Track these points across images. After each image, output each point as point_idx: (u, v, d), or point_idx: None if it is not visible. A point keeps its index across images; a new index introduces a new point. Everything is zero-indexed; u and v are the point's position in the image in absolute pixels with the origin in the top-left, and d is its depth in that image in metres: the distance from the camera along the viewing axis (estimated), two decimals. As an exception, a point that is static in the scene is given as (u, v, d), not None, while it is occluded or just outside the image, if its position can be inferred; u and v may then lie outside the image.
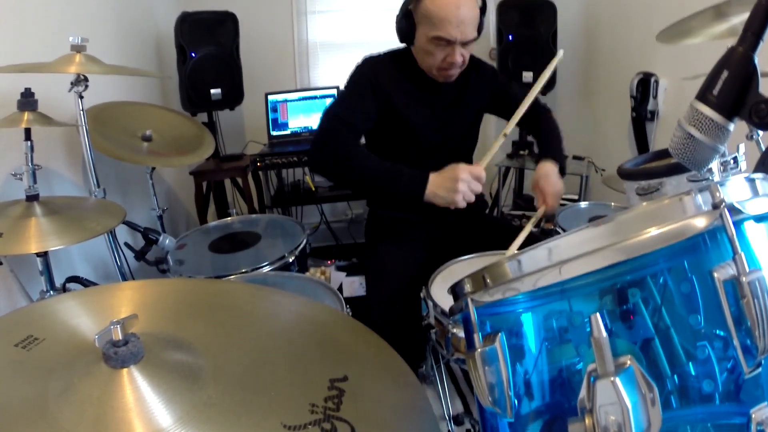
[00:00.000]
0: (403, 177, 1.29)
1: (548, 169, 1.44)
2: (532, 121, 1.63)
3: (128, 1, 2.39)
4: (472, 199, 1.24)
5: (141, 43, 2.54)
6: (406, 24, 1.40)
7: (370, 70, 1.46)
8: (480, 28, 1.42)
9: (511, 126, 1.35)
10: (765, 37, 0.56)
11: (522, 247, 1.30)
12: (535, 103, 1.62)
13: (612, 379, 0.46)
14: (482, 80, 1.58)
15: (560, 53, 1.38)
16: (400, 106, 1.45)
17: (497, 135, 1.33)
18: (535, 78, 2.66)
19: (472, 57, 1.55)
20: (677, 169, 0.88)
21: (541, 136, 1.63)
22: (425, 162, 1.48)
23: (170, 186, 2.76)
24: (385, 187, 1.31)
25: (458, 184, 1.21)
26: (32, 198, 1.26)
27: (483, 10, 1.42)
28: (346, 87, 1.47)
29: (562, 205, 1.71)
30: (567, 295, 0.55)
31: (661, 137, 2.32)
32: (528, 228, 1.34)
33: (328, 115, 1.40)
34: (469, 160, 1.67)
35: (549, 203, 1.40)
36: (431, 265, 1.32)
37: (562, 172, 1.47)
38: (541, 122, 1.65)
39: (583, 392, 0.48)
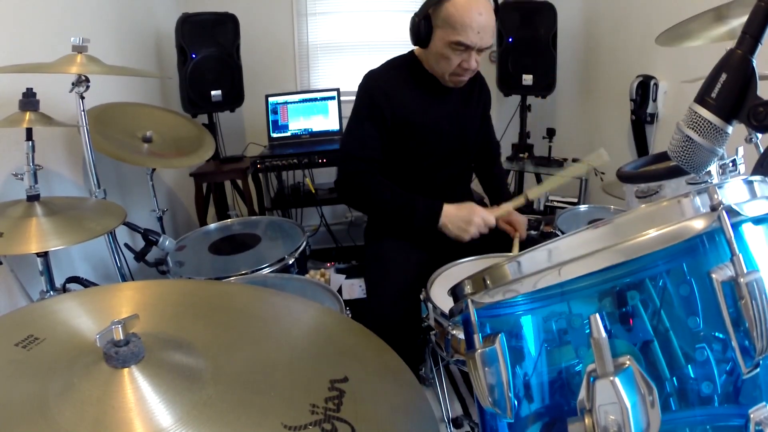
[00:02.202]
0: (417, 211, 1.41)
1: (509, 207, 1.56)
2: (491, 163, 1.79)
3: (129, 2, 2.39)
4: (478, 236, 1.38)
5: (141, 44, 2.55)
6: (425, 27, 1.39)
7: (373, 88, 1.47)
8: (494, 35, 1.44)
9: (537, 194, 1.53)
10: (763, 40, 0.56)
11: (521, 249, 1.35)
12: (497, 145, 1.83)
13: (611, 378, 0.46)
14: (482, 95, 1.64)
15: (604, 155, 1.45)
16: (409, 114, 1.47)
17: (499, 136, 1.40)
18: (535, 80, 2.67)
19: None
20: (676, 172, 0.88)
21: (498, 181, 1.81)
22: (434, 165, 1.55)
23: (170, 187, 2.76)
24: (403, 220, 1.44)
25: (470, 227, 1.36)
26: (33, 198, 1.27)
27: (496, 13, 1.42)
28: (353, 114, 1.51)
29: (561, 208, 1.75)
30: (566, 297, 0.55)
31: (660, 140, 2.32)
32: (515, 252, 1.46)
33: (344, 155, 1.51)
34: (471, 163, 1.69)
35: (522, 232, 1.54)
36: (430, 268, 1.32)
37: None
38: (496, 168, 1.82)
39: (582, 392, 0.49)
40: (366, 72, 1.53)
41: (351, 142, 1.50)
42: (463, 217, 1.37)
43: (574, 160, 2.75)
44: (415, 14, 1.40)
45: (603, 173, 2.58)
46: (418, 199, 1.43)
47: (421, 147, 1.51)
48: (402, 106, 1.46)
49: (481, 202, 1.68)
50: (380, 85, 1.46)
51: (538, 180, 2.86)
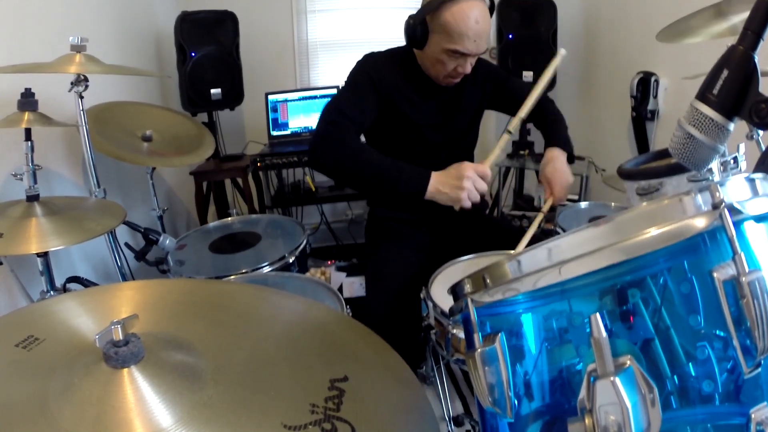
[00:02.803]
0: (403, 173, 1.26)
1: (555, 155, 1.45)
2: (536, 111, 1.56)
3: (128, 1, 2.39)
4: (478, 198, 1.22)
5: (141, 43, 2.54)
6: (421, 31, 1.37)
7: (371, 67, 1.45)
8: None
9: (516, 123, 1.36)
10: (765, 36, 0.56)
11: (529, 244, 1.31)
12: (542, 100, 1.61)
13: (612, 378, 0.46)
14: (481, 77, 1.58)
15: (562, 52, 1.38)
16: (401, 103, 1.45)
17: (500, 133, 1.34)
18: (536, 78, 2.66)
19: None
20: (677, 169, 0.87)
21: (546, 126, 1.60)
22: (426, 160, 1.48)
23: (170, 186, 2.76)
24: (386, 183, 1.27)
25: (463, 182, 1.19)
26: (32, 198, 1.27)
27: (491, 11, 1.41)
28: (346, 82, 1.46)
29: (562, 205, 1.71)
30: (567, 296, 0.55)
31: (661, 137, 2.32)
32: (537, 222, 1.34)
33: (329, 108, 1.37)
34: (470, 158, 1.67)
35: (556, 192, 1.39)
36: (431, 266, 1.31)
37: (571, 160, 1.47)
38: (546, 111, 1.63)
39: (582, 392, 0.48)
40: (367, 53, 1.51)
41: (339, 99, 1.41)
42: (453, 174, 1.22)
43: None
44: (411, 17, 1.38)
45: (603, 170, 2.57)
46: (404, 164, 1.28)
47: (409, 136, 1.50)
48: (394, 91, 1.44)
49: (482, 198, 1.67)
50: (378, 66, 1.46)
51: (539, 179, 2.85)
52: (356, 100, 1.41)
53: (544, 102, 1.64)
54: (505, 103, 1.64)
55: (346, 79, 1.47)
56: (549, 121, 1.60)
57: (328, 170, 1.35)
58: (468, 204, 1.21)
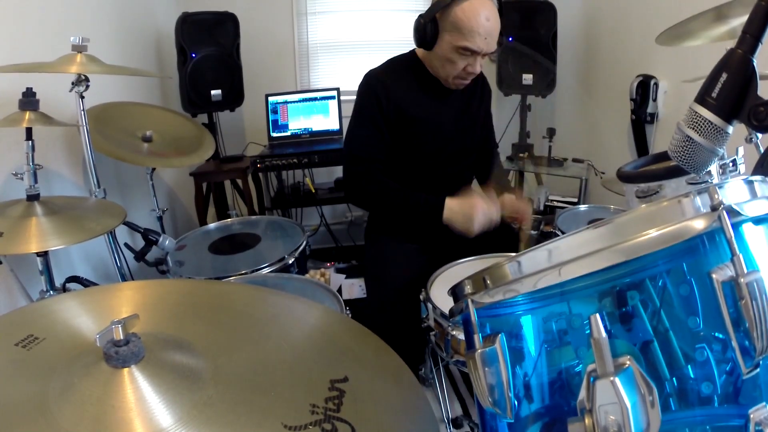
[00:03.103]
0: (420, 208, 1.42)
1: (510, 196, 1.55)
2: (488, 157, 1.76)
3: (129, 2, 2.39)
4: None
5: (141, 44, 2.55)
6: (431, 30, 1.38)
7: (373, 86, 1.47)
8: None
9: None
10: (764, 40, 0.56)
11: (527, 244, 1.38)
12: (492, 144, 1.82)
13: (611, 379, 0.46)
14: (484, 89, 1.63)
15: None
16: (407, 112, 1.47)
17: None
18: (535, 80, 2.67)
19: None
20: (677, 172, 0.88)
21: (498, 175, 1.77)
22: (436, 164, 1.55)
23: (170, 187, 2.76)
24: (408, 216, 1.46)
25: (473, 226, 1.35)
26: (33, 198, 1.27)
27: (500, 14, 1.42)
28: (355, 112, 1.50)
29: (561, 208, 1.75)
30: (566, 297, 0.55)
31: (660, 140, 2.32)
32: (525, 242, 1.47)
33: (348, 156, 1.51)
34: (471, 168, 1.71)
35: (527, 218, 1.51)
36: (430, 268, 1.32)
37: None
38: (494, 162, 1.78)
39: (582, 392, 0.49)
40: (366, 71, 1.52)
41: (354, 143, 1.51)
42: (465, 214, 1.36)
43: (575, 161, 2.75)
44: (421, 16, 1.39)
45: (603, 172, 2.58)
46: (420, 196, 1.43)
47: (423, 147, 1.51)
48: (403, 105, 1.45)
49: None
50: (381, 84, 1.46)
51: (539, 180, 2.86)
52: (368, 135, 1.47)
53: (496, 152, 1.82)
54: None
55: (354, 107, 1.51)
56: (499, 170, 1.80)
57: (360, 207, 1.67)
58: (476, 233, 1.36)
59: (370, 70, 1.52)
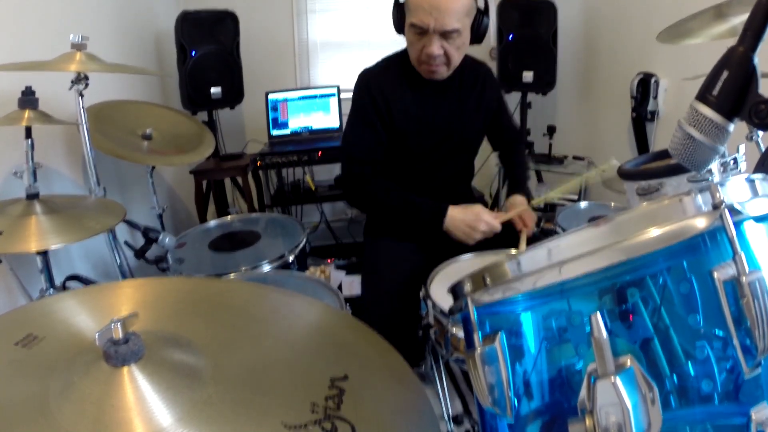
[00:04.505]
0: (422, 214, 1.40)
1: (520, 200, 1.55)
2: (508, 151, 1.74)
3: (128, 0, 2.38)
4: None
5: (141, 42, 2.54)
6: (397, 14, 1.40)
7: (368, 86, 1.46)
8: (480, 29, 1.41)
9: (540, 202, 1.52)
10: (765, 37, 0.56)
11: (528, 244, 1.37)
12: (517, 133, 1.78)
13: (612, 379, 0.46)
14: (486, 86, 1.58)
15: (615, 164, 1.43)
16: (401, 112, 1.46)
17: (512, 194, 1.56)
18: (535, 78, 2.67)
19: (472, 60, 1.55)
20: (677, 170, 0.88)
21: (515, 170, 1.73)
22: (432, 164, 1.54)
23: (170, 185, 2.76)
24: (408, 220, 1.44)
25: (475, 234, 1.35)
26: (32, 196, 1.26)
27: (485, 11, 1.40)
28: (351, 112, 1.50)
29: (561, 205, 1.74)
30: (566, 295, 0.55)
31: (661, 138, 2.32)
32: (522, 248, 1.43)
33: (345, 157, 1.50)
34: (472, 160, 1.69)
35: (530, 226, 1.49)
36: (430, 265, 1.32)
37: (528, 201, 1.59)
38: (517, 156, 1.74)
39: (583, 393, 0.48)
40: (361, 70, 1.52)
41: (351, 144, 1.50)
42: (468, 222, 1.36)
43: (575, 158, 2.75)
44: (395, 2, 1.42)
45: (604, 170, 2.57)
46: (422, 202, 1.42)
47: (419, 145, 1.51)
48: (398, 104, 1.45)
49: (482, 200, 1.67)
50: (376, 83, 1.46)
51: (539, 177, 2.86)
52: (365, 136, 1.46)
53: (520, 145, 1.78)
54: (492, 131, 1.69)
55: (350, 107, 1.50)
56: (519, 167, 1.73)
57: (359, 209, 1.63)
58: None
59: (365, 69, 1.52)
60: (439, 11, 1.27)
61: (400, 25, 1.42)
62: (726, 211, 0.46)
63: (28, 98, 1.28)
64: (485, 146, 1.74)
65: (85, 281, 1.45)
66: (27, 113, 1.27)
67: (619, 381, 0.46)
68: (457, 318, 0.66)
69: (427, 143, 1.51)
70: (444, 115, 1.51)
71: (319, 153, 2.59)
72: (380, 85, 1.45)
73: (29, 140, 1.29)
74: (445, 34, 1.32)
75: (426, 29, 1.30)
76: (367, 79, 1.48)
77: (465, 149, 1.61)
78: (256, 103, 2.80)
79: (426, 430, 0.60)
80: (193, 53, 2.45)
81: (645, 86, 2.28)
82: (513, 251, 1.36)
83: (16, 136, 1.32)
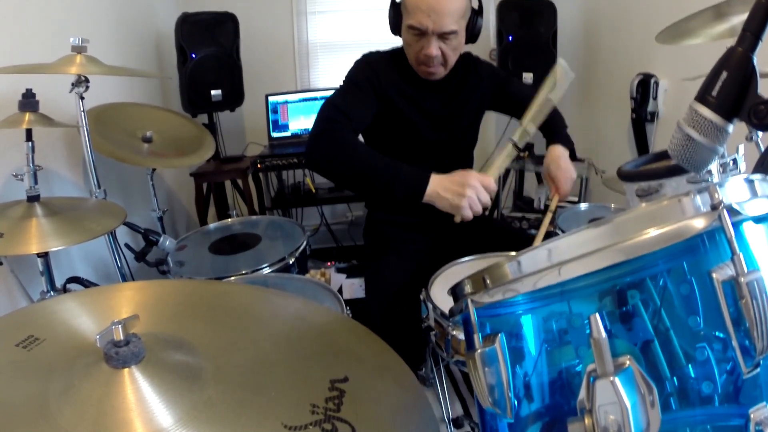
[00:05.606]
0: (401, 173, 1.19)
1: (559, 152, 1.44)
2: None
3: (128, 2, 2.39)
4: (479, 210, 1.16)
5: (141, 44, 2.55)
6: (394, 15, 1.41)
7: (369, 67, 1.45)
8: (475, 29, 1.41)
9: (520, 133, 1.34)
10: (764, 38, 0.56)
11: (528, 245, 1.33)
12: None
13: (611, 378, 0.46)
14: (481, 79, 1.56)
15: (561, 62, 1.34)
16: (399, 103, 1.45)
17: (500, 139, 1.34)
18: (536, 79, 2.67)
19: (468, 56, 1.55)
20: (677, 171, 0.88)
21: (546, 124, 1.49)
22: (426, 160, 1.48)
23: (170, 187, 2.76)
24: (382, 183, 1.20)
25: (467, 190, 1.13)
26: (33, 199, 1.27)
27: (479, 11, 1.41)
28: (345, 80, 1.45)
29: (561, 207, 1.72)
30: (566, 297, 0.55)
31: (661, 138, 2.32)
32: (547, 220, 1.32)
33: (326, 105, 1.34)
34: (469, 159, 1.68)
35: (561, 189, 1.39)
36: (430, 268, 1.31)
37: (573, 156, 1.46)
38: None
39: (582, 392, 0.48)
40: (365, 52, 1.51)
41: (337, 97, 1.38)
42: (457, 180, 1.16)
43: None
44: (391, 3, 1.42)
45: (603, 171, 2.57)
46: (400, 165, 1.21)
47: (407, 136, 1.49)
48: (393, 88, 1.44)
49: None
50: (378, 64, 1.45)
51: (539, 179, 2.86)
52: (354, 97, 1.39)
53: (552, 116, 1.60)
54: (506, 105, 1.63)
55: (344, 77, 1.46)
56: (550, 119, 1.49)
57: (323, 169, 1.29)
58: (469, 214, 1.15)
59: (369, 52, 1.51)
60: (437, 13, 1.28)
61: (396, 26, 1.43)
62: (725, 211, 0.46)
63: (29, 101, 1.28)
64: (483, 148, 1.73)
65: (86, 284, 1.45)
66: (27, 116, 1.27)
67: (618, 381, 0.46)
68: (458, 319, 0.66)
69: (414, 135, 1.50)
70: (434, 109, 1.49)
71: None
72: (381, 70, 1.44)
73: (30, 143, 1.29)
74: (443, 36, 1.33)
75: (424, 31, 1.31)
76: (370, 61, 1.48)
77: (455, 144, 1.59)
78: (257, 106, 2.80)
79: (426, 431, 0.60)
80: (193, 55, 2.45)
81: (645, 87, 2.28)
82: (513, 253, 1.35)
83: (17, 139, 1.33)
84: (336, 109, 1.32)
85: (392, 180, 1.19)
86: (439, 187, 1.17)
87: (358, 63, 1.48)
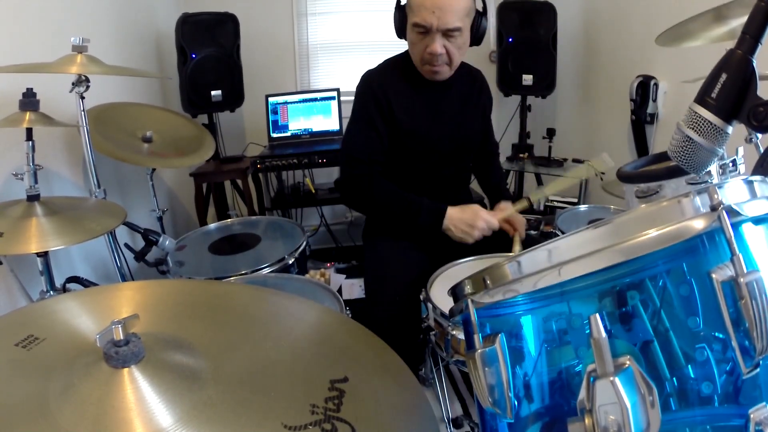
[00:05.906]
0: (421, 214, 1.41)
1: (508, 204, 1.55)
2: (488, 162, 1.77)
3: (129, 2, 2.39)
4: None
5: (142, 44, 2.55)
6: (399, 15, 1.42)
7: (371, 87, 1.47)
8: (479, 30, 1.42)
9: (538, 197, 1.56)
10: (763, 40, 0.56)
11: (527, 245, 1.39)
12: (496, 146, 1.81)
13: (611, 378, 0.46)
14: (482, 91, 1.62)
15: (607, 159, 1.42)
16: (404, 113, 1.47)
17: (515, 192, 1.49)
18: (535, 80, 2.67)
19: (469, 66, 1.57)
20: (677, 172, 0.88)
21: (498, 181, 1.78)
22: (433, 166, 1.54)
23: (170, 187, 2.76)
24: (408, 221, 1.43)
25: (474, 232, 1.37)
26: (33, 198, 1.26)
27: (483, 13, 1.42)
28: (353, 111, 1.50)
29: (561, 208, 1.75)
30: (566, 297, 0.55)
31: (660, 140, 2.32)
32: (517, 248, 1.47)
33: (346, 157, 1.49)
34: (476, 161, 1.71)
35: (521, 231, 1.51)
36: (430, 268, 1.32)
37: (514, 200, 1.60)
38: (496, 168, 1.79)
39: (582, 392, 0.49)
40: (364, 72, 1.52)
41: (352, 144, 1.50)
42: (467, 220, 1.37)
43: (575, 161, 2.75)
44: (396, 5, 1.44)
45: (603, 173, 2.58)
46: (421, 202, 1.42)
47: (419, 147, 1.51)
48: (399, 106, 1.45)
49: (480, 203, 1.68)
50: (378, 85, 1.46)
51: (539, 180, 2.86)
52: (366, 135, 1.46)
53: (497, 158, 1.82)
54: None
55: (352, 107, 1.51)
56: (500, 180, 1.80)
57: (358, 211, 1.62)
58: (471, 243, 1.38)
59: (367, 72, 1.53)
60: (441, 10, 1.30)
61: (401, 27, 1.44)
62: (724, 212, 0.46)
63: (29, 100, 1.28)
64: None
65: (86, 283, 1.45)
66: (28, 115, 1.27)
67: (618, 381, 0.46)
68: (458, 320, 0.66)
69: (429, 143, 1.52)
70: (445, 116, 1.52)
71: (323, 160, 2.59)
72: (383, 85, 1.46)
73: (30, 142, 1.29)
74: (447, 33, 1.34)
75: (429, 28, 1.33)
76: (370, 79, 1.49)
77: (464, 152, 1.62)
78: (257, 106, 2.80)
79: (425, 431, 0.60)
80: (194, 56, 2.45)
81: (644, 89, 2.28)
82: (513, 254, 1.36)
83: (17, 138, 1.32)
84: (353, 159, 1.47)
85: (414, 220, 1.42)
86: (451, 224, 1.40)
87: (359, 87, 1.51)
